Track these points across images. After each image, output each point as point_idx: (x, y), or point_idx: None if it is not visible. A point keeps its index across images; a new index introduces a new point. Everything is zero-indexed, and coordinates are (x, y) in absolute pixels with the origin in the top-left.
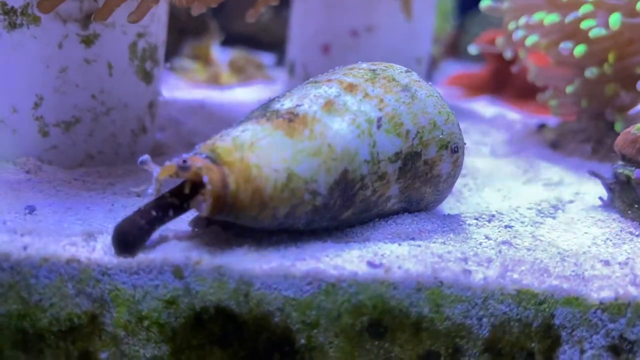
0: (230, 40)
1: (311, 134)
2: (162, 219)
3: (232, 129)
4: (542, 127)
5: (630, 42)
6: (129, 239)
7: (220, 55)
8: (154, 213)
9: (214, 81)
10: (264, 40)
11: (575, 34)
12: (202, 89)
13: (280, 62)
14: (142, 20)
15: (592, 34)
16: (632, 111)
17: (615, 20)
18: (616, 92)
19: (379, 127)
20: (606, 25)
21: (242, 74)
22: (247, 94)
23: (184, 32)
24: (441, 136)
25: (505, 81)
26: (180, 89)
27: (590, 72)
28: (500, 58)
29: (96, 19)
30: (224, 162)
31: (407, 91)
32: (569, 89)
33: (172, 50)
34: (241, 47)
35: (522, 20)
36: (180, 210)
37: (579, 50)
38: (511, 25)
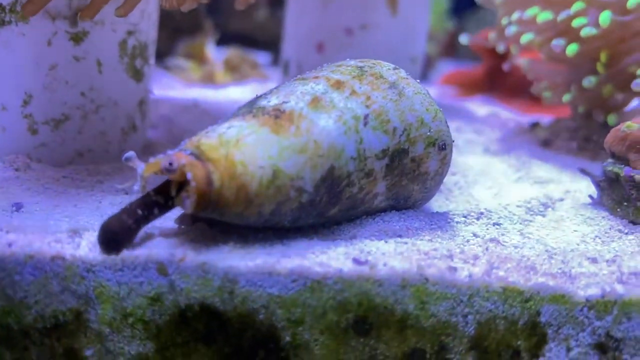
0: (225, 39)
1: (297, 131)
2: (147, 217)
3: (218, 126)
4: (534, 125)
5: (622, 40)
6: (117, 238)
7: (215, 54)
8: (140, 212)
9: (209, 80)
10: (260, 39)
11: (568, 32)
12: (196, 88)
13: (275, 61)
14: (132, 17)
15: (583, 33)
16: (627, 108)
17: (605, 18)
18: (612, 94)
19: (365, 124)
20: (597, 23)
21: (237, 72)
22: (241, 93)
23: (178, 30)
24: (429, 133)
25: (499, 80)
26: (174, 88)
27: (588, 82)
28: (495, 57)
29: (82, 18)
30: (208, 159)
31: (395, 88)
32: (566, 97)
33: (167, 49)
34: (236, 46)
35: (515, 16)
36: (165, 208)
37: (572, 49)
38: (504, 21)
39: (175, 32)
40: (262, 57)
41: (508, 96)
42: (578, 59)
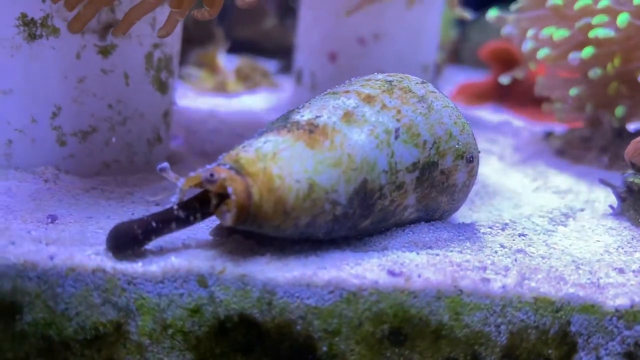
0: (233, 47)
1: (331, 145)
2: (161, 230)
3: (254, 140)
4: (548, 134)
5: (636, 47)
6: (116, 242)
7: (225, 62)
8: (153, 224)
9: (221, 89)
10: (267, 47)
11: (584, 45)
12: (209, 97)
13: (283, 69)
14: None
15: (601, 33)
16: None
17: (623, 19)
18: (618, 92)
19: (396, 137)
20: (614, 27)
21: (248, 81)
22: (254, 102)
23: (190, 40)
24: (457, 146)
25: (509, 89)
26: (187, 97)
27: (594, 73)
28: (503, 66)
29: (115, 34)
30: (247, 173)
31: (424, 102)
32: (573, 91)
33: (179, 59)
34: (245, 54)
35: (530, 32)
36: (185, 223)
37: (587, 52)
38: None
39: (187, 42)
40: (269, 65)
41: (518, 105)
42: (592, 67)
